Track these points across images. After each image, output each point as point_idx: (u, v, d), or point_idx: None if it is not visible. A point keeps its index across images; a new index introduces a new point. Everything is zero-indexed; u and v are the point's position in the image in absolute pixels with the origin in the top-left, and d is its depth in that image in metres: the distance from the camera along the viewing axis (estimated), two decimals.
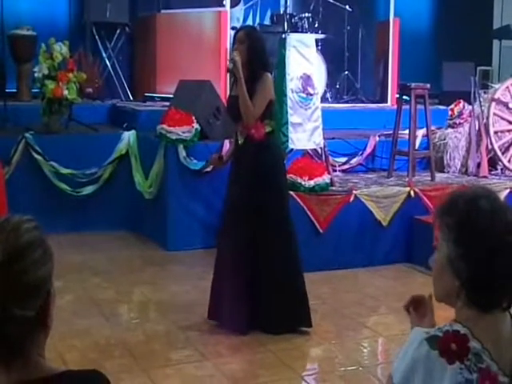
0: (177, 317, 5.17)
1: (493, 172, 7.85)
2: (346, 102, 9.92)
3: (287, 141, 6.40)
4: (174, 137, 6.84)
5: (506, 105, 7.92)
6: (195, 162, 6.88)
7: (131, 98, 9.50)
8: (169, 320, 5.13)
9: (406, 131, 7.46)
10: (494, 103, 7.87)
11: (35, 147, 7.20)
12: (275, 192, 4.88)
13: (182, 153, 6.85)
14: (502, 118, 7.94)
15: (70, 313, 5.11)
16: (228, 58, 5.29)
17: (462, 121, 8.15)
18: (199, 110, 7.11)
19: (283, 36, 6.74)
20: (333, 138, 7.59)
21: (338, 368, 4.46)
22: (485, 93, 8.23)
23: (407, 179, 7.14)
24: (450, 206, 1.78)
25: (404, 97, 7.53)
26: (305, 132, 6.55)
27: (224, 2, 8.74)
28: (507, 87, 7.96)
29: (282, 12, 9.65)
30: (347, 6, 10.12)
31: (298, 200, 6.25)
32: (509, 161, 7.87)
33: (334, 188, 6.66)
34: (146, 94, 9.31)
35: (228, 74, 5.56)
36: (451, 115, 8.30)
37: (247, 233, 4.81)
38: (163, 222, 7.00)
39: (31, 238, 1.52)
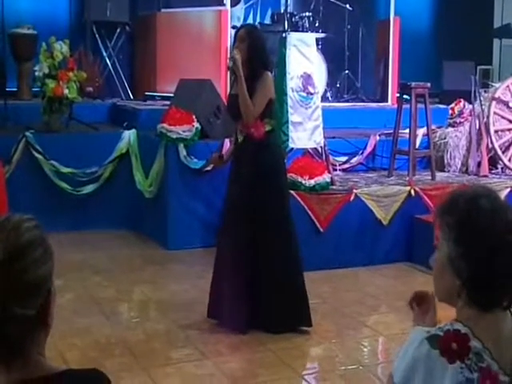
0: (177, 315, 5.17)
1: (493, 171, 7.84)
2: (347, 101, 9.93)
3: (288, 140, 6.40)
4: (174, 136, 6.84)
5: (506, 104, 7.92)
6: (195, 161, 6.88)
7: (131, 96, 9.50)
8: (169, 319, 5.13)
9: (407, 130, 7.46)
10: (494, 102, 7.87)
11: (36, 146, 7.20)
12: (275, 191, 4.87)
13: (183, 152, 6.85)
14: (503, 117, 7.94)
15: (70, 311, 5.11)
16: (228, 56, 5.29)
17: (462, 120, 8.15)
18: (199, 109, 7.11)
19: (284, 35, 6.74)
20: (333, 137, 7.59)
21: (339, 367, 4.46)
22: (485, 92, 8.23)
23: (408, 178, 7.14)
24: (450, 206, 1.78)
25: (404, 96, 7.53)
26: (305, 131, 6.54)
27: (224, 1, 8.74)
28: (507, 86, 7.96)
29: (282, 11, 9.64)
30: (347, 5, 10.12)
31: (299, 199, 6.25)
32: (509, 160, 7.87)
33: (334, 187, 6.66)
34: (147, 93, 9.31)
35: (228, 73, 5.56)
36: (451, 114, 8.30)
37: (247, 232, 4.81)
38: (163, 221, 7.00)
39: (32, 236, 1.52)
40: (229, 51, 7.83)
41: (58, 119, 7.57)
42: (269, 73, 4.90)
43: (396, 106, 7.84)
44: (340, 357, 4.60)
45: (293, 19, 9.62)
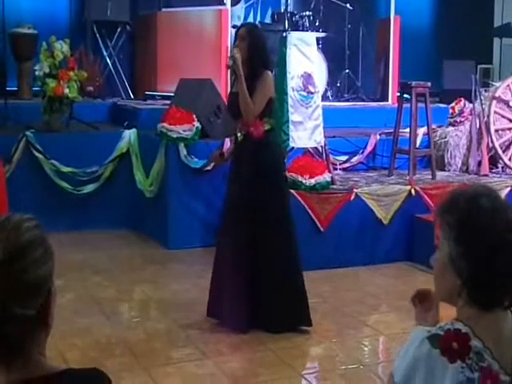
0: (177, 315, 5.17)
1: (493, 170, 7.85)
2: (347, 101, 9.93)
3: (288, 139, 6.40)
4: (174, 135, 6.84)
5: (506, 103, 7.92)
6: (196, 160, 6.88)
7: (132, 96, 9.50)
8: (169, 318, 5.13)
9: (407, 129, 7.46)
10: (494, 101, 7.87)
11: (36, 145, 7.20)
12: (275, 190, 4.87)
13: (183, 151, 6.85)
14: (503, 116, 7.94)
15: (70, 311, 5.11)
16: (228, 55, 5.29)
17: (462, 119, 8.15)
18: (200, 109, 7.11)
19: (284, 34, 6.73)
20: (333, 137, 7.59)
21: (339, 366, 4.46)
22: (485, 91, 8.23)
23: (408, 177, 7.13)
24: (450, 205, 1.77)
25: (405, 95, 7.53)
26: (305, 130, 6.54)
27: (225, 1, 8.74)
28: (508, 85, 7.96)
29: (282, 10, 9.64)
30: (348, 5, 10.12)
31: (299, 198, 6.25)
32: (509, 159, 7.87)
33: (334, 186, 6.66)
34: (147, 93, 9.30)
35: (229, 71, 5.57)
36: (452, 113, 8.29)
37: (247, 232, 4.81)
38: (164, 221, 7.00)
39: (32, 236, 1.52)
40: (229, 50, 7.83)
41: (59, 119, 7.57)
42: (269, 72, 4.90)
43: (396, 105, 7.84)
44: (340, 356, 4.60)
45: (293, 18, 9.62)
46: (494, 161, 7.91)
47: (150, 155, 7.18)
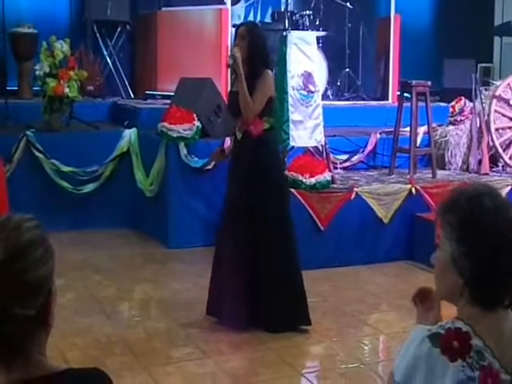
0: (178, 314, 5.17)
1: (494, 169, 7.85)
2: (347, 100, 9.92)
3: (288, 138, 6.39)
4: (174, 135, 6.84)
5: (507, 102, 7.92)
6: (196, 159, 6.88)
7: (132, 95, 9.50)
8: (170, 318, 5.13)
9: (407, 128, 7.46)
10: (495, 100, 7.87)
11: (36, 145, 7.20)
12: (274, 189, 4.86)
13: (183, 150, 6.85)
14: (503, 115, 7.94)
15: (71, 311, 5.11)
16: (228, 54, 5.29)
17: (463, 118, 8.15)
18: (200, 108, 7.11)
19: (284, 33, 6.73)
20: (334, 136, 7.59)
21: (339, 366, 4.46)
22: (486, 90, 8.23)
23: (408, 176, 7.13)
24: (452, 204, 1.77)
25: (405, 94, 7.53)
26: (306, 129, 6.54)
27: (225, 0, 8.74)
28: (508, 84, 7.96)
29: (282, 9, 9.63)
30: (348, 4, 10.12)
31: (299, 197, 6.24)
32: (510, 158, 7.87)
33: (335, 185, 6.66)
34: (147, 92, 9.30)
35: (229, 70, 5.56)
36: (452, 112, 8.29)
37: (247, 232, 4.80)
38: (164, 220, 7.00)
39: (32, 236, 1.52)
40: (229, 50, 7.83)
41: (59, 118, 7.57)
42: (269, 71, 4.89)
43: (397, 104, 7.83)
44: (341, 355, 4.60)
45: (293, 17, 9.62)
46: (494, 160, 7.91)
47: (150, 154, 7.18)
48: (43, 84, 7.39)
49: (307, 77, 6.52)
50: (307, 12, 9.81)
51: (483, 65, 10.78)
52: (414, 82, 7.35)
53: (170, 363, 4.42)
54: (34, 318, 1.50)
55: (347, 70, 10.24)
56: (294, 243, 4.96)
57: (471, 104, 8.00)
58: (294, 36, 6.57)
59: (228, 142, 6.42)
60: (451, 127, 8.20)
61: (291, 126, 6.42)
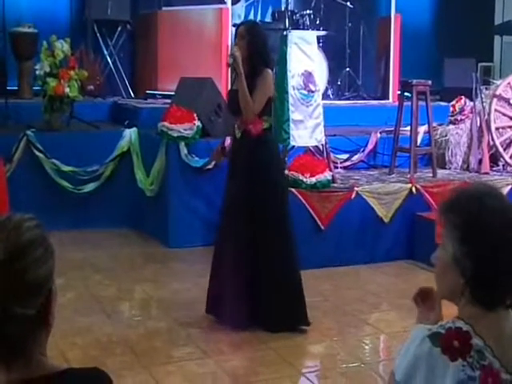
0: (178, 314, 5.17)
1: (494, 168, 7.84)
2: (348, 99, 9.92)
3: (288, 138, 6.39)
4: (175, 134, 6.84)
5: (507, 101, 7.92)
6: (196, 159, 6.88)
7: (132, 95, 9.49)
8: (170, 317, 5.13)
9: (408, 128, 7.46)
10: (495, 99, 7.87)
11: (37, 145, 7.20)
12: (273, 189, 4.85)
13: (184, 150, 6.85)
14: (504, 114, 7.93)
15: (71, 310, 5.11)
16: (229, 54, 5.28)
17: (463, 117, 8.15)
18: (200, 107, 7.11)
19: (284, 33, 6.73)
20: (334, 135, 7.59)
21: (340, 365, 4.46)
22: (486, 89, 8.23)
23: (409, 176, 7.13)
24: (453, 204, 1.77)
25: (405, 93, 7.53)
26: (306, 129, 6.54)
27: (225, 0, 8.74)
28: (509, 83, 7.95)
29: (283, 9, 9.62)
30: (348, 3, 10.12)
31: (300, 197, 6.25)
32: (510, 157, 7.87)
33: (335, 185, 6.66)
34: (148, 92, 9.30)
35: (229, 70, 5.56)
36: (453, 111, 8.29)
37: (247, 232, 4.80)
38: (165, 220, 7.00)
39: (32, 236, 1.52)
40: (229, 49, 7.82)
41: (59, 118, 7.57)
42: (269, 70, 4.89)
43: (397, 103, 7.84)
44: (341, 355, 4.60)
45: (294, 17, 9.62)
46: (494, 159, 7.91)
47: (150, 154, 7.18)
48: (43, 84, 7.39)
49: (308, 76, 6.51)
50: (308, 11, 9.81)
51: (483, 64, 10.78)
52: (414, 82, 7.34)
53: (171, 363, 4.42)
54: (35, 318, 1.50)
55: (347, 69, 10.24)
56: (293, 242, 4.95)
57: (471, 103, 8.00)
58: (294, 35, 6.57)
59: (228, 141, 6.42)
60: (451, 126, 8.20)
61: (291, 125, 6.42)
